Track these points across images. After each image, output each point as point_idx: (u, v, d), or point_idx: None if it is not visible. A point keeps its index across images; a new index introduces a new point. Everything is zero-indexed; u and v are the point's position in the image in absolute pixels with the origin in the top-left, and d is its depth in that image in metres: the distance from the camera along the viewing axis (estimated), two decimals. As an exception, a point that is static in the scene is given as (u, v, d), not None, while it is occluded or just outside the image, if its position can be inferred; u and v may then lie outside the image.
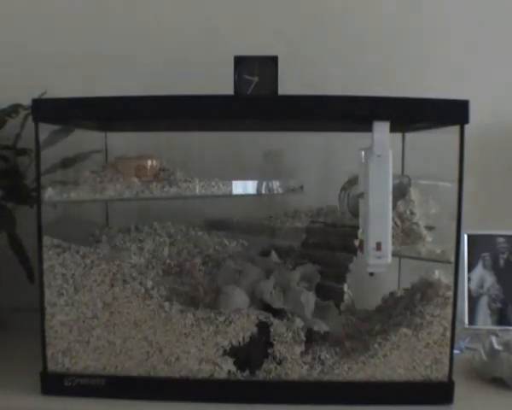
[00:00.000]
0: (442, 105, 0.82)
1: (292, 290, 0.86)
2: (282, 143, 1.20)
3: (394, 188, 0.83)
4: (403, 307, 0.93)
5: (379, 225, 0.83)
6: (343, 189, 1.04)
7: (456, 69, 1.20)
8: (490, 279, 1.12)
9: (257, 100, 0.83)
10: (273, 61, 0.83)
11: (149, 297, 0.85)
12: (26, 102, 0.95)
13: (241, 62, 0.83)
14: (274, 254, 0.96)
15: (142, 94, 0.82)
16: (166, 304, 0.85)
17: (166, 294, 0.88)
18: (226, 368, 0.84)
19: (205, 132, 1.14)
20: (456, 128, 0.82)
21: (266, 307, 0.86)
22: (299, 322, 0.84)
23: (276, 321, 0.84)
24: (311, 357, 0.84)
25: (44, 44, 1.23)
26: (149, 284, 0.86)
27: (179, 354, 0.84)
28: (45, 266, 0.86)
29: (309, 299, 0.85)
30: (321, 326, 0.84)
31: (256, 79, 0.83)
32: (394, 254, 0.89)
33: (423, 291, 0.92)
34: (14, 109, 1.10)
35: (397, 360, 0.84)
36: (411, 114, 0.83)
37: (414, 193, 1.02)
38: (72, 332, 0.86)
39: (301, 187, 1.14)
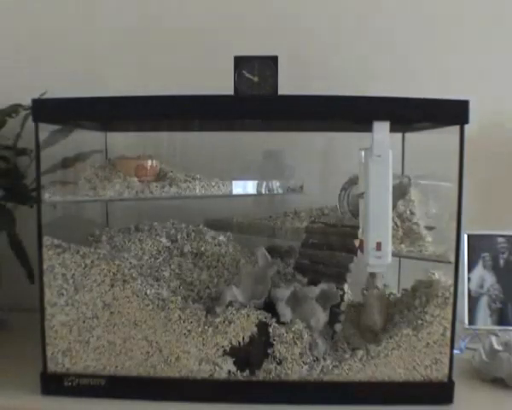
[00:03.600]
0: (442, 105, 0.82)
1: (307, 304, 0.86)
2: (282, 143, 1.20)
3: (394, 188, 0.83)
4: (403, 308, 0.93)
5: (379, 225, 0.83)
6: (343, 189, 1.04)
7: (457, 69, 1.20)
8: (490, 279, 1.12)
9: (257, 100, 0.83)
10: (273, 61, 0.83)
11: (147, 298, 0.85)
12: (26, 102, 0.95)
13: (241, 62, 0.83)
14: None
15: (143, 94, 0.82)
16: (167, 304, 0.85)
17: (166, 293, 0.88)
18: (226, 368, 0.84)
19: (205, 132, 1.14)
20: (456, 128, 0.82)
21: (266, 307, 0.86)
22: (299, 325, 0.84)
23: (275, 321, 0.84)
24: (311, 357, 0.84)
25: (45, 44, 1.23)
26: (149, 284, 0.86)
27: (179, 354, 0.84)
28: (45, 266, 0.86)
29: (320, 319, 0.85)
30: (321, 350, 0.84)
31: (256, 78, 0.83)
32: (394, 254, 0.89)
33: (423, 291, 0.92)
34: (14, 109, 1.10)
35: (397, 360, 0.84)
36: (411, 114, 0.83)
37: (414, 193, 1.02)
38: (72, 332, 0.86)
39: (301, 187, 1.14)
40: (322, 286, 0.87)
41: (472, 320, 1.11)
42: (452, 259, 0.85)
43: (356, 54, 1.21)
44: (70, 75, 1.21)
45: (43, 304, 0.86)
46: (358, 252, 0.89)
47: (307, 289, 0.87)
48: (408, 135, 1.08)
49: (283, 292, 0.85)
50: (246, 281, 0.89)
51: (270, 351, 0.84)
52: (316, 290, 0.86)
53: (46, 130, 0.90)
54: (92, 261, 0.86)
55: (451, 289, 0.85)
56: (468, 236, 1.12)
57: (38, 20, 1.24)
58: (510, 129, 1.22)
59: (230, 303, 0.85)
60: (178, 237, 1.05)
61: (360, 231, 0.87)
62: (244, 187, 1.09)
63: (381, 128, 0.82)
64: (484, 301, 1.12)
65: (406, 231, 0.99)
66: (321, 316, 0.85)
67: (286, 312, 0.84)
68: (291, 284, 0.88)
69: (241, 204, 1.17)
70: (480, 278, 1.12)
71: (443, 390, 0.84)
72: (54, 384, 0.86)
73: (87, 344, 0.86)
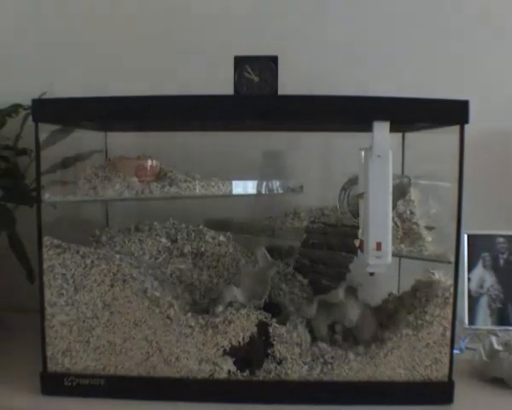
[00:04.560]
0: (442, 105, 0.82)
1: (338, 308, 0.88)
2: (282, 143, 1.20)
3: (394, 188, 0.83)
4: (403, 308, 0.93)
5: (379, 225, 0.83)
6: (343, 189, 1.04)
7: (456, 69, 1.20)
8: (490, 279, 1.12)
9: (257, 100, 0.83)
10: (273, 61, 0.83)
11: (147, 297, 0.85)
12: (26, 102, 0.95)
13: (241, 62, 0.83)
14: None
15: (143, 94, 0.82)
16: (167, 304, 0.85)
17: (167, 294, 0.88)
18: (226, 368, 0.84)
19: (205, 132, 1.14)
20: (456, 128, 0.82)
21: (266, 307, 0.86)
22: (300, 329, 0.85)
23: (275, 321, 0.84)
24: (310, 357, 0.84)
25: (45, 44, 1.23)
26: (149, 284, 0.87)
27: (179, 354, 0.84)
28: (45, 266, 0.86)
29: (354, 316, 0.87)
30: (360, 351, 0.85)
31: (256, 78, 0.83)
32: (394, 254, 0.89)
33: (423, 291, 0.92)
34: (14, 109, 1.11)
35: (397, 360, 0.84)
36: (411, 114, 0.83)
37: (414, 193, 1.02)
38: (72, 332, 0.86)
39: (301, 187, 1.14)
40: (344, 284, 0.88)
41: (472, 320, 1.11)
42: (452, 259, 0.85)
43: (356, 54, 1.21)
44: (70, 75, 1.21)
45: (43, 304, 0.86)
46: (358, 252, 0.89)
47: (331, 295, 0.87)
48: (408, 135, 1.08)
49: (310, 310, 0.86)
50: (246, 281, 0.89)
51: (270, 351, 0.84)
52: (339, 294, 0.86)
53: (46, 130, 0.90)
54: (92, 261, 0.86)
55: (451, 290, 0.85)
56: (468, 236, 1.12)
57: (38, 20, 1.24)
58: (510, 128, 1.22)
59: (230, 303, 0.85)
60: (178, 237, 1.05)
61: (360, 231, 0.87)
62: (244, 187, 1.09)
63: (381, 128, 0.82)
64: (484, 301, 1.12)
65: (406, 231, 0.99)
66: (352, 313, 0.87)
67: (321, 328, 0.86)
68: (313, 298, 0.89)
69: (241, 204, 1.17)
70: (480, 278, 1.12)
71: (443, 390, 0.84)
72: (54, 384, 0.86)
73: (87, 344, 0.86)
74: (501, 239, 1.13)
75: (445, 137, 0.85)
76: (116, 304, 0.85)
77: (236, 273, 0.96)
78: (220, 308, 0.85)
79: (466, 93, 0.82)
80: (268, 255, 0.92)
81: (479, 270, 1.13)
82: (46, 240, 0.86)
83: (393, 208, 0.93)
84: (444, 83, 1.16)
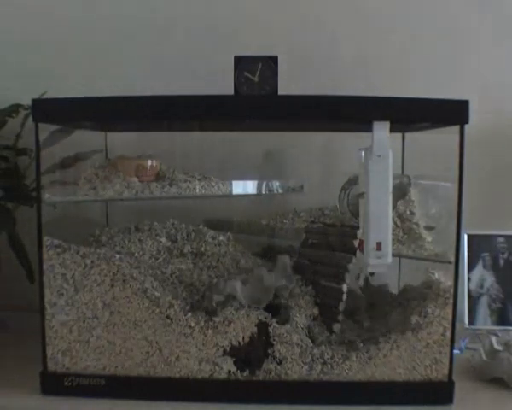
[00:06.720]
0: (442, 105, 0.82)
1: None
2: (282, 143, 1.20)
3: (394, 188, 0.83)
4: (403, 307, 0.93)
5: (379, 225, 0.83)
6: (343, 189, 1.04)
7: (456, 69, 1.20)
8: (490, 279, 1.12)
9: (257, 100, 0.83)
10: (273, 61, 0.83)
11: (147, 297, 0.85)
12: (26, 102, 0.95)
13: (241, 62, 0.83)
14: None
15: (142, 94, 0.82)
16: (167, 304, 0.85)
17: (167, 294, 0.88)
18: (226, 368, 0.84)
19: (205, 132, 1.14)
20: (456, 128, 0.82)
21: (266, 307, 0.86)
22: (301, 330, 0.85)
23: (275, 321, 0.84)
24: (310, 357, 0.84)
25: (44, 44, 1.23)
26: (149, 284, 0.86)
27: (179, 354, 0.84)
28: (45, 266, 0.86)
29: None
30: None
31: (256, 78, 0.83)
32: (394, 254, 0.89)
33: (423, 291, 0.92)
34: (14, 109, 1.10)
35: (397, 360, 0.84)
36: (411, 114, 0.83)
37: (414, 193, 1.02)
38: (72, 332, 0.86)
39: (301, 187, 1.14)
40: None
41: (472, 320, 1.11)
42: (452, 259, 0.85)
43: (356, 54, 1.21)
44: (70, 75, 1.21)
45: (43, 304, 0.86)
46: (357, 252, 0.89)
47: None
48: (408, 135, 1.08)
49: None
50: (254, 283, 0.88)
51: (270, 351, 0.84)
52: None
53: (46, 130, 0.90)
54: (92, 261, 0.86)
55: (451, 290, 0.85)
56: (468, 236, 1.12)
57: (38, 20, 1.24)
58: (510, 128, 1.22)
59: (228, 297, 0.84)
60: (178, 237, 1.05)
61: (360, 231, 0.87)
62: (244, 187, 1.09)
63: (381, 128, 0.82)
64: (484, 301, 1.12)
65: (406, 231, 0.99)
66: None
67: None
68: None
69: (241, 204, 1.17)
70: (480, 278, 1.12)
71: (443, 390, 0.84)
72: (54, 384, 0.86)
73: (87, 344, 0.86)
74: (501, 239, 1.13)
75: (445, 137, 0.85)
76: (116, 304, 0.85)
77: (237, 273, 0.96)
78: (216, 298, 0.84)
79: (466, 92, 0.82)
80: (289, 268, 0.90)
81: (479, 270, 1.13)
82: (46, 240, 0.86)
83: (393, 208, 0.93)
84: (443, 83, 1.16)
